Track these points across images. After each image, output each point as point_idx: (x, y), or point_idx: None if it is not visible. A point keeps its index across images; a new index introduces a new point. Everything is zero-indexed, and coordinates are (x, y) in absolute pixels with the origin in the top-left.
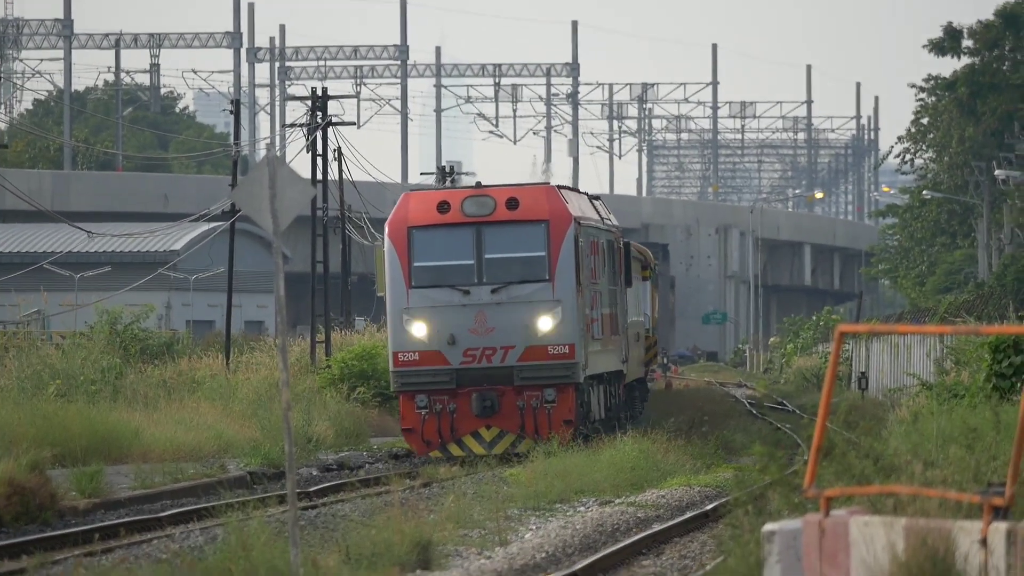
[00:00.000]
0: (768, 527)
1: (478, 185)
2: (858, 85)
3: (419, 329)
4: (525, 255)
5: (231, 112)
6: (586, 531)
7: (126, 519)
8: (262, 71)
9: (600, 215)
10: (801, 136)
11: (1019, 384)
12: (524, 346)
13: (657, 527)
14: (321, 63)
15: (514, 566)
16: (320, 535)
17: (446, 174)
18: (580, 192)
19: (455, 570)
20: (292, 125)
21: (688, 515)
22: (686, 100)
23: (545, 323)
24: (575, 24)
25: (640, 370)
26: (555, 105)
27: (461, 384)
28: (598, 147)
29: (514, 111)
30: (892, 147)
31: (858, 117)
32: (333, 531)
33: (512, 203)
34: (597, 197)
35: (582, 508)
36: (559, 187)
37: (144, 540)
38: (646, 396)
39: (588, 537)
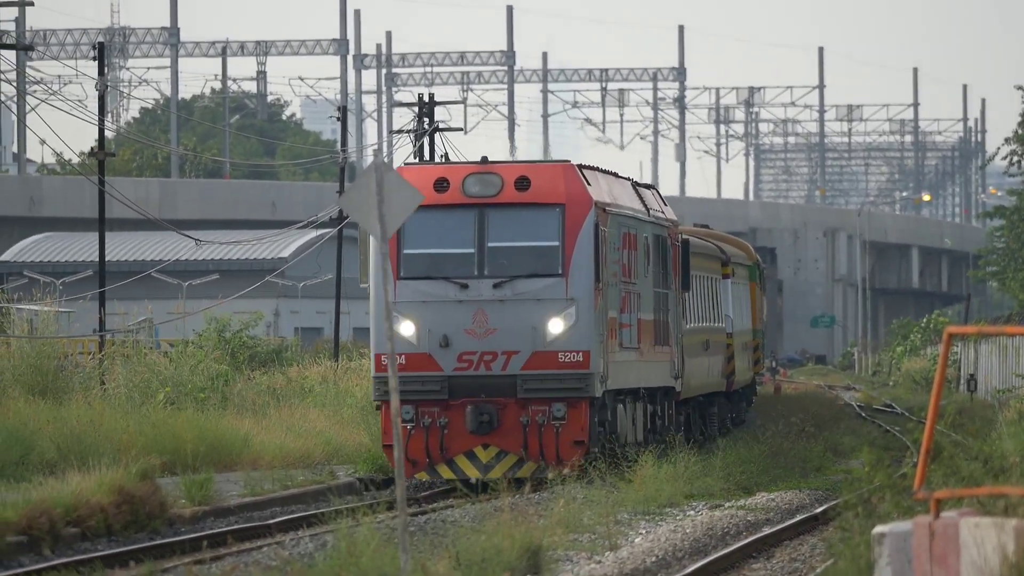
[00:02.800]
0: (878, 529)
1: (484, 160)
2: (965, 87)
3: (406, 328)
4: (535, 244)
5: (338, 119)
6: (696, 535)
7: (235, 526)
8: (369, 77)
9: (645, 205)
10: (908, 139)
11: None
12: (530, 351)
13: (767, 530)
14: (428, 69)
15: (624, 570)
16: (430, 541)
17: None
18: (618, 176)
19: (565, 575)
20: (399, 131)
21: (798, 518)
22: (793, 104)
23: (556, 325)
24: (681, 28)
25: (747, 377)
26: (662, 110)
27: (454, 394)
28: (705, 151)
29: (621, 116)
30: (999, 149)
31: (965, 119)
32: (443, 537)
33: (522, 183)
34: (649, 186)
35: (692, 512)
36: (585, 166)
37: (254, 547)
38: (751, 401)
39: (698, 541)
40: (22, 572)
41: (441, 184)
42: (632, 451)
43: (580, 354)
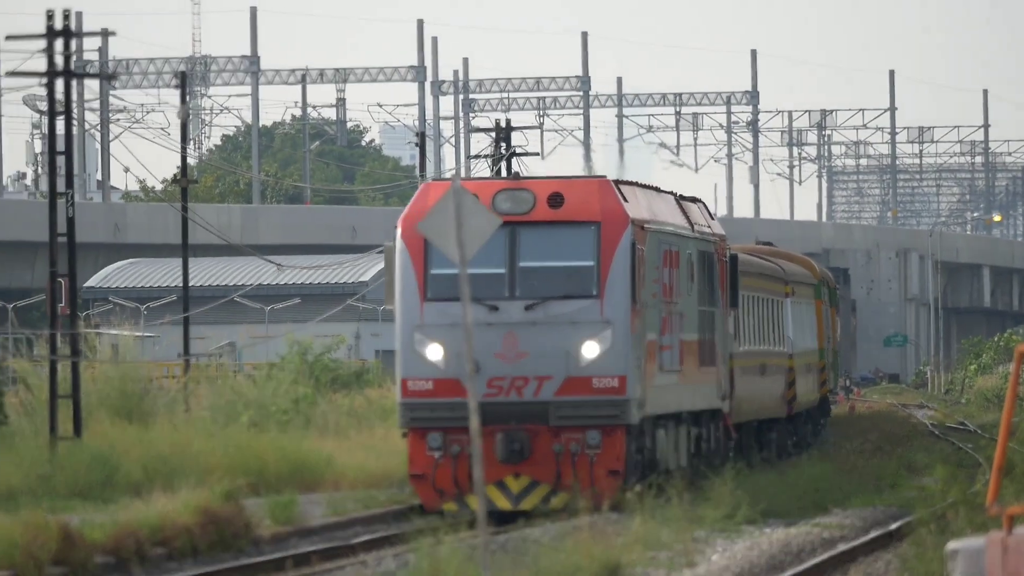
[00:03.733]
0: (951, 545)
1: (516, 176)
2: None
3: (434, 352)
4: (568, 264)
5: (417, 144)
6: (772, 552)
7: (319, 546)
8: (446, 104)
9: (689, 220)
10: (979, 160)
11: None
12: (563, 377)
13: (842, 547)
14: (504, 95)
15: None
16: (511, 559)
17: None
18: (659, 190)
19: None
20: (477, 156)
21: (872, 535)
22: (864, 126)
23: (590, 349)
24: (754, 52)
25: (812, 399)
26: (735, 133)
27: (484, 421)
28: (778, 174)
29: (695, 139)
30: None
31: None
32: (523, 555)
33: (556, 200)
34: (695, 199)
35: (768, 529)
36: (622, 182)
37: (337, 567)
38: (824, 420)
39: (774, 558)
40: None
41: None
42: (676, 478)
43: (616, 379)
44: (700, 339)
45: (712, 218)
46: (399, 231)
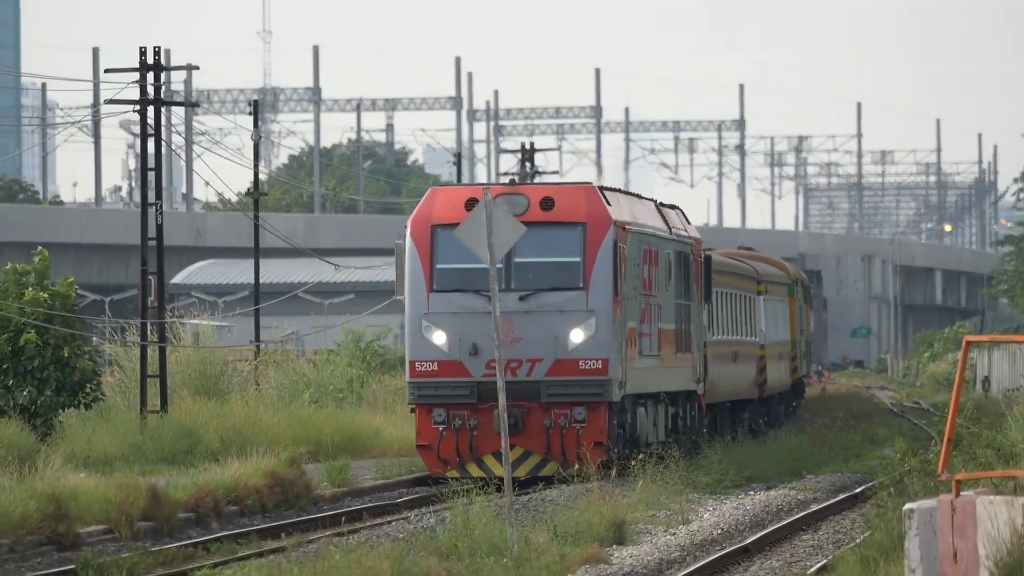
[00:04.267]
0: (908, 506)
1: (511, 182)
2: (980, 135)
3: (439, 337)
4: (558, 260)
5: (454, 163)
6: (755, 511)
7: (369, 505)
8: (479, 129)
9: (668, 224)
10: (932, 179)
11: None
12: (553, 359)
13: (814, 507)
14: (529, 121)
15: (695, 541)
16: (532, 517)
17: None
18: (641, 197)
19: (645, 545)
20: (505, 174)
21: (840, 497)
22: (835, 150)
23: (577, 335)
24: (741, 87)
25: (783, 383)
26: (725, 155)
27: (483, 399)
28: (762, 190)
29: (691, 160)
30: (1008, 187)
31: (980, 162)
32: (542, 514)
33: (547, 203)
34: (673, 207)
35: (752, 492)
36: (606, 188)
37: (384, 522)
38: (798, 401)
39: (757, 516)
40: (190, 542)
41: (472, 204)
42: (655, 450)
43: (599, 362)
44: (677, 328)
45: (688, 223)
46: (408, 230)
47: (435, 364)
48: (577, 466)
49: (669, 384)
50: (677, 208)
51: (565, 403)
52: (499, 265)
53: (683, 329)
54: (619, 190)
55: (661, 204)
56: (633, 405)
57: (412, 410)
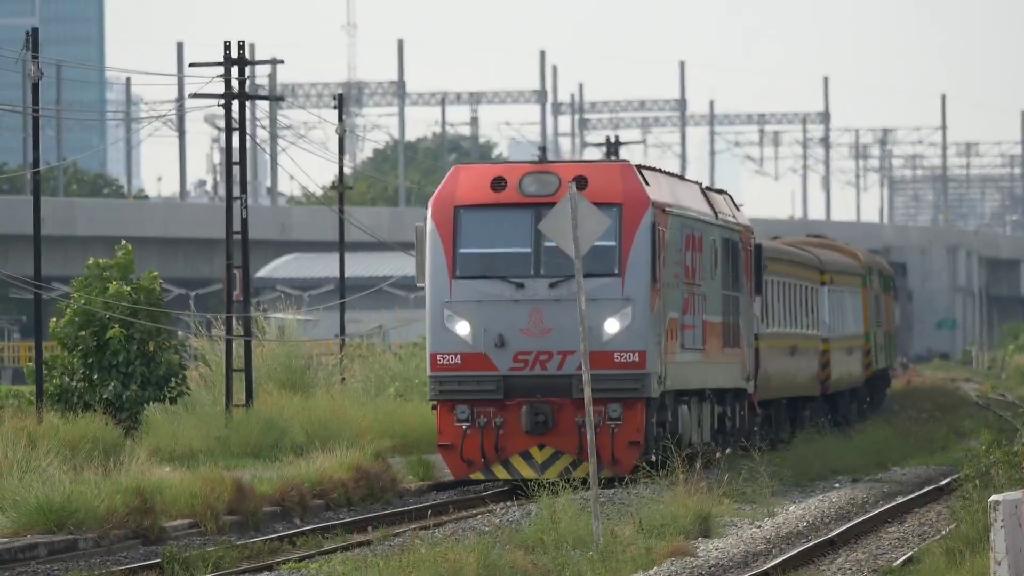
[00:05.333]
0: (994, 498)
1: (541, 160)
2: None
3: (462, 327)
4: (592, 244)
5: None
6: (840, 504)
7: (454, 498)
8: (564, 122)
9: (713, 209)
10: (1017, 171)
11: None
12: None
13: (900, 500)
14: (613, 115)
15: (780, 533)
16: (617, 510)
17: None
18: (684, 179)
19: (731, 537)
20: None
21: (926, 489)
22: (920, 142)
23: (612, 325)
24: (826, 79)
25: (854, 379)
26: (809, 148)
27: (510, 394)
28: (847, 182)
29: (776, 153)
30: None
31: None
32: (628, 507)
33: (580, 183)
34: (721, 191)
35: (837, 485)
36: (645, 167)
37: (470, 515)
38: (877, 397)
39: (842, 509)
40: (276, 536)
41: (498, 183)
42: (700, 451)
43: (636, 354)
44: (724, 321)
45: (737, 209)
46: (429, 212)
47: (458, 357)
48: (610, 469)
49: (715, 380)
50: (725, 192)
51: (599, 399)
52: (527, 249)
53: (731, 322)
54: (659, 169)
55: (708, 188)
56: (675, 403)
57: (433, 407)
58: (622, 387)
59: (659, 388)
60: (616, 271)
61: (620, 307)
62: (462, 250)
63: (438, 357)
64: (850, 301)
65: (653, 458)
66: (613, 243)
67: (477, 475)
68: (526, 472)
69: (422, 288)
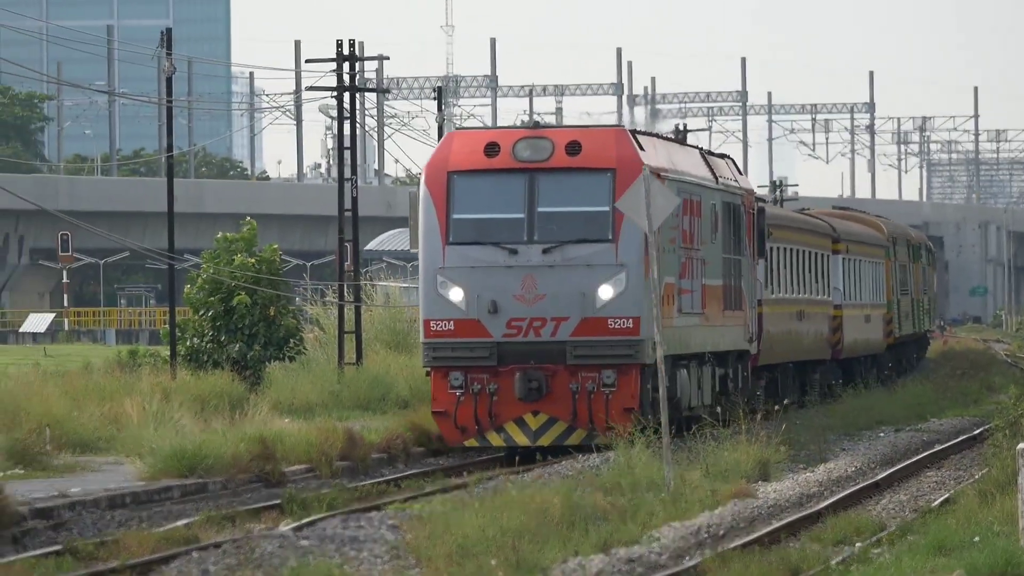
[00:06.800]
0: (1021, 446)
1: (536, 125)
2: None
3: (456, 294)
4: (585, 210)
5: None
6: (885, 451)
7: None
8: (638, 112)
9: (714, 173)
10: None
11: None
12: (579, 318)
13: (938, 447)
14: (682, 105)
15: (831, 477)
16: (686, 457)
17: (776, 187)
18: (684, 144)
19: (787, 481)
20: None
21: (961, 438)
22: (955, 129)
23: (606, 291)
24: (872, 73)
25: (873, 345)
26: (856, 134)
27: (503, 361)
28: (890, 165)
29: (827, 139)
30: None
31: None
32: (696, 454)
33: (573, 147)
34: (723, 155)
35: (882, 434)
36: (640, 132)
37: (555, 462)
38: (905, 361)
39: (886, 455)
40: (383, 480)
41: (492, 148)
42: (702, 415)
43: (630, 320)
44: (725, 284)
45: (740, 173)
46: (423, 177)
47: (451, 323)
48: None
49: (716, 344)
50: (727, 157)
51: (593, 365)
52: (521, 215)
53: (732, 285)
54: (656, 135)
55: (709, 152)
56: (672, 367)
57: (427, 374)
58: (616, 353)
59: (654, 354)
60: (610, 237)
61: (614, 273)
62: (455, 216)
63: (431, 323)
64: (870, 270)
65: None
66: (607, 208)
67: (471, 442)
68: (520, 439)
69: (415, 252)
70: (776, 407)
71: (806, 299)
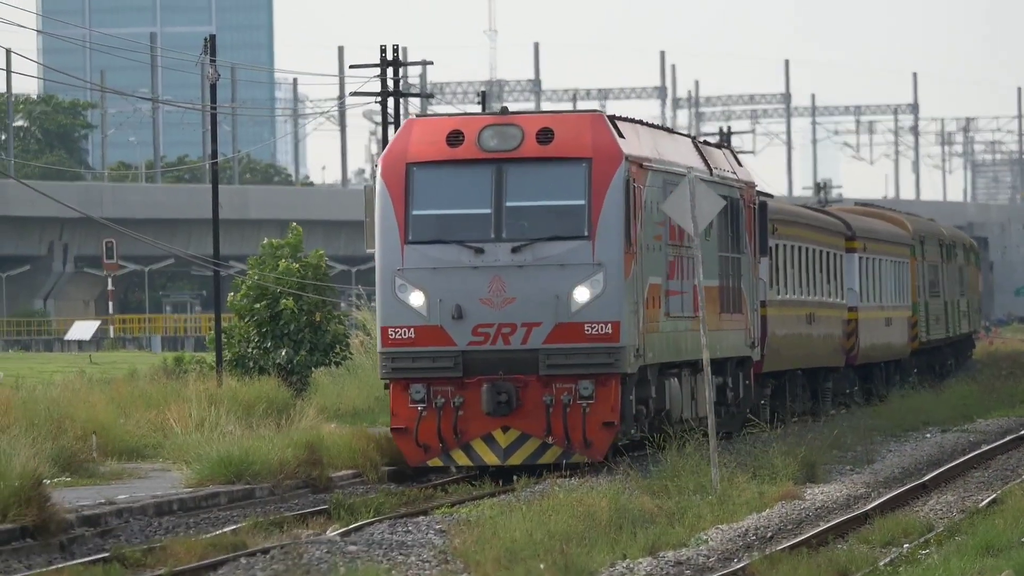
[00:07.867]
0: None
1: (503, 111)
2: None
3: (416, 298)
4: (558, 204)
5: None
6: (931, 452)
7: None
8: (682, 115)
9: (708, 164)
10: None
11: None
12: (553, 323)
13: (984, 448)
14: (726, 108)
15: (878, 478)
16: (733, 459)
17: (820, 188)
18: (672, 131)
19: (834, 483)
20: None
21: (1008, 438)
22: (999, 129)
23: (581, 293)
24: (915, 75)
25: (895, 350)
26: (900, 135)
27: (469, 371)
28: (934, 166)
29: (871, 140)
30: None
31: None
32: (744, 457)
33: (545, 135)
34: (720, 145)
35: (928, 435)
36: (620, 118)
37: (603, 464)
38: (969, 354)
39: (933, 456)
40: (431, 484)
41: (455, 137)
42: (689, 428)
43: (609, 325)
44: (721, 285)
45: (740, 165)
46: (379, 169)
47: (411, 331)
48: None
49: (712, 349)
50: (725, 147)
51: (568, 376)
52: (487, 210)
53: (731, 286)
54: (640, 121)
55: (704, 142)
56: (659, 376)
57: (385, 386)
58: (594, 362)
59: (636, 362)
60: (585, 233)
61: (590, 273)
62: (415, 212)
63: (389, 331)
64: (891, 270)
65: (632, 438)
66: (582, 202)
67: (435, 462)
68: (489, 458)
69: (372, 253)
70: (779, 418)
71: (816, 300)
